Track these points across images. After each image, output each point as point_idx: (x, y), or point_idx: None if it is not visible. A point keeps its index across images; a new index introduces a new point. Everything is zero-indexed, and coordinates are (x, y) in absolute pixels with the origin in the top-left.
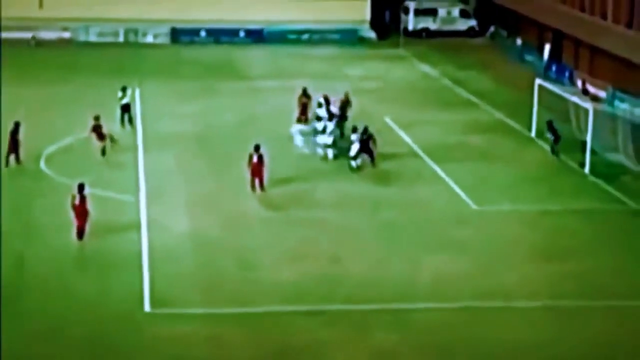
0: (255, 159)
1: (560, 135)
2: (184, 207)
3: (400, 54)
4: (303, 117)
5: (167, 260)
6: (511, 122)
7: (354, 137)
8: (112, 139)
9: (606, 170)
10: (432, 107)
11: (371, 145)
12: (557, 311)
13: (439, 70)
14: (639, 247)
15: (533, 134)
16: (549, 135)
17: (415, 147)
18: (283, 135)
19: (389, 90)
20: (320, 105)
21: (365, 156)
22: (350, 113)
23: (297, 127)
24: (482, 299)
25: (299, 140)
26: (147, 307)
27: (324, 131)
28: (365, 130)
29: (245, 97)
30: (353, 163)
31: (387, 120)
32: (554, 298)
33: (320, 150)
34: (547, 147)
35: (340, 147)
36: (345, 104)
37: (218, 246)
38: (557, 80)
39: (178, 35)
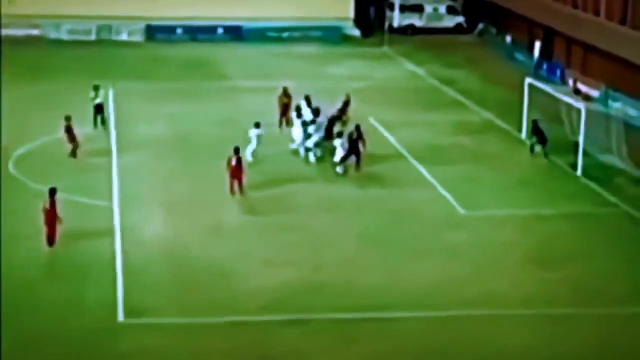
0: (234, 161)
1: (546, 137)
2: (160, 212)
3: (385, 52)
4: (284, 118)
5: (142, 268)
6: (501, 123)
7: (338, 142)
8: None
9: (599, 173)
10: (418, 107)
11: (360, 146)
12: (551, 318)
13: (426, 69)
14: (634, 252)
15: (523, 135)
16: (533, 139)
17: (401, 149)
18: (263, 137)
19: (373, 90)
20: (298, 108)
21: (351, 159)
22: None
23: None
24: (471, 308)
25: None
26: (120, 317)
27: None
28: (357, 128)
29: (223, 98)
30: (338, 169)
31: (372, 121)
32: (548, 305)
33: (302, 152)
34: (538, 150)
35: (322, 145)
36: (345, 106)
37: (195, 253)
38: (548, 79)
39: (153, 32)
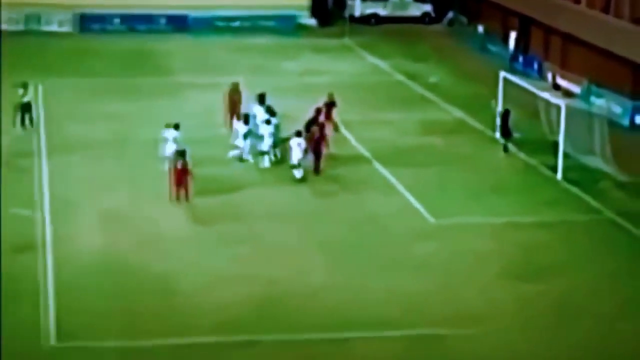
0: (179, 165)
1: (510, 130)
2: (96, 222)
3: (345, 44)
4: (234, 117)
5: (75, 285)
6: (473, 122)
7: (295, 142)
8: None
9: (581, 176)
10: (383, 105)
11: (323, 147)
12: (531, 336)
13: (390, 62)
14: (620, 263)
15: (498, 135)
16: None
17: (364, 151)
18: (211, 138)
19: (333, 86)
20: (246, 117)
21: (309, 159)
22: (336, 117)
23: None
24: (442, 326)
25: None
26: (52, 341)
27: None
28: (321, 127)
29: (166, 95)
30: (296, 173)
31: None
32: (527, 322)
33: (248, 156)
34: (519, 154)
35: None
36: (329, 109)
37: (136, 267)
38: (525, 73)
39: (87, 22)
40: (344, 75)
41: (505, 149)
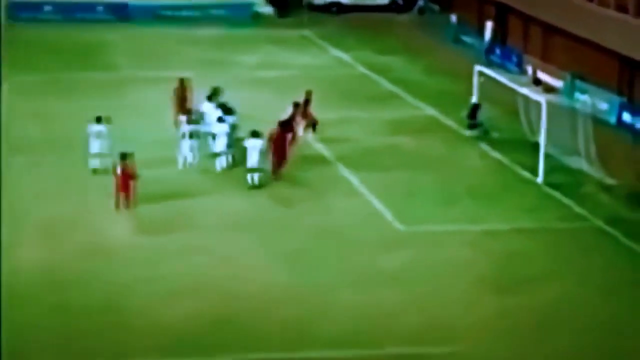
0: (120, 169)
1: (479, 125)
2: (32, 234)
3: (305, 35)
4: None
5: (10, 304)
6: (445, 120)
7: (251, 143)
8: None
9: (564, 179)
10: (347, 102)
11: (289, 148)
12: (510, 353)
13: (355, 55)
14: (605, 273)
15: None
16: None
17: (327, 153)
18: (156, 139)
19: (291, 81)
20: (203, 118)
21: (269, 162)
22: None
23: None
24: (412, 344)
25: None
26: None
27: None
28: (286, 125)
29: (106, 92)
30: (250, 178)
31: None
32: (506, 337)
33: (190, 158)
34: (493, 153)
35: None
36: (306, 106)
37: (77, 282)
38: (502, 67)
39: (15, 10)
40: (304, 69)
41: (471, 127)
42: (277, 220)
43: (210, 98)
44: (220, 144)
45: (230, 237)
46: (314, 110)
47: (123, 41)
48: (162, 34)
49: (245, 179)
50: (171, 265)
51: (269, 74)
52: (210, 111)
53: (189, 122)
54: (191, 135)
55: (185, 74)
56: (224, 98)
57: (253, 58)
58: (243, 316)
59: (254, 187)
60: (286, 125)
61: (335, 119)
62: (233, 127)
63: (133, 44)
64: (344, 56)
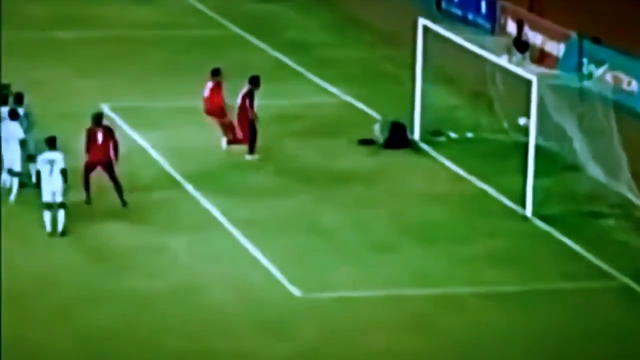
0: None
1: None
2: None
3: None
4: None
5: None
6: (371, 111)
7: (45, 160)
8: None
9: (567, 208)
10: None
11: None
12: None
13: (219, 2)
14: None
15: (416, 133)
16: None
17: (169, 168)
18: None
19: (104, 45)
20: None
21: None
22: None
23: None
24: None
25: None
26: None
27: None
28: (98, 122)
29: None
30: (47, 219)
31: (106, 109)
32: None
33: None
34: (449, 165)
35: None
36: (251, 96)
37: None
38: (464, 21)
39: None
40: (123, 26)
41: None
42: (79, 276)
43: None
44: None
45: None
46: (156, 94)
47: None
48: None
49: (41, 221)
50: None
51: (65, 34)
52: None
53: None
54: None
55: None
56: None
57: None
58: None
59: (56, 234)
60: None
61: (181, 108)
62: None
63: None
64: (198, 4)
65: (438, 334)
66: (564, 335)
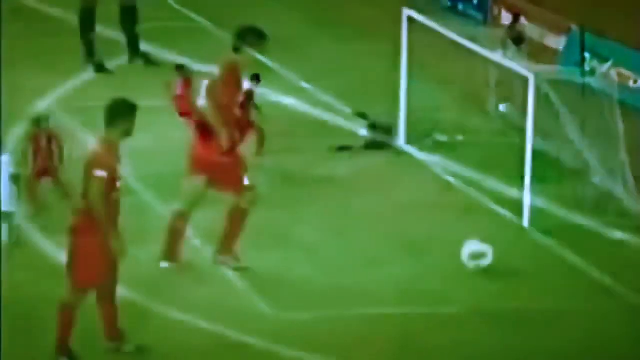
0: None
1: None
2: None
3: None
4: None
5: None
6: (339, 105)
7: None
8: None
9: (567, 223)
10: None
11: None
12: None
13: None
14: None
15: (402, 138)
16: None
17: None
18: None
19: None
20: None
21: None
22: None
23: None
24: None
25: None
26: None
27: None
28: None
29: None
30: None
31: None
32: None
33: None
34: (428, 164)
35: None
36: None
37: None
38: (453, 11)
39: None
40: None
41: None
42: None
43: None
44: None
45: None
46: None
47: None
48: None
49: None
50: None
51: None
52: None
53: None
54: None
55: None
56: None
57: None
58: None
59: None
60: None
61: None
62: None
63: None
64: None
65: (429, 356)
66: (565, 357)
